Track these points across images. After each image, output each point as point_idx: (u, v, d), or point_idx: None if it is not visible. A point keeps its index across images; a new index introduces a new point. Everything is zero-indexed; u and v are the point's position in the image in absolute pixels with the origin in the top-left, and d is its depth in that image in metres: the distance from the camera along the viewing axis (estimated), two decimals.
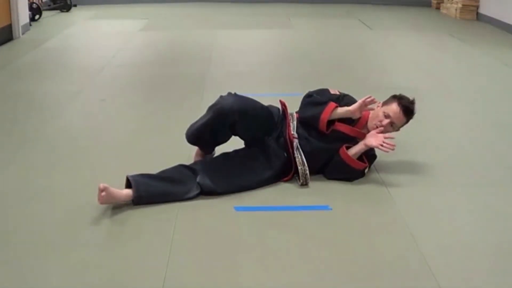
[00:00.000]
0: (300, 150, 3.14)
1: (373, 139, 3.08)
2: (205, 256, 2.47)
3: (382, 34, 7.86)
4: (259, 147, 3.18)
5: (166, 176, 2.97)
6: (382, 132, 3.14)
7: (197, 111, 4.30)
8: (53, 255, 2.45)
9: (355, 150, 3.13)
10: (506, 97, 4.97)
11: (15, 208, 2.88)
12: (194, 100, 4.62)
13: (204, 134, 3.16)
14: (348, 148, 3.15)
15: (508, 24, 8.04)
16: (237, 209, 2.86)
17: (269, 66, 5.93)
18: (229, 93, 3.14)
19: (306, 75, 5.53)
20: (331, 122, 3.16)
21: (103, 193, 2.78)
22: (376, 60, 6.42)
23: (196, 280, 2.30)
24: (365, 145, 3.10)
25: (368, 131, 3.19)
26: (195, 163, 3.15)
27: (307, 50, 6.78)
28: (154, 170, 3.29)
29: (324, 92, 3.30)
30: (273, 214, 2.84)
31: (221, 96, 3.12)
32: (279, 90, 4.92)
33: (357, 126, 3.22)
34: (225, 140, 3.23)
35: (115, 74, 5.56)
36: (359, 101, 3.11)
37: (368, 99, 3.09)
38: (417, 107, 3.21)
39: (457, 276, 2.37)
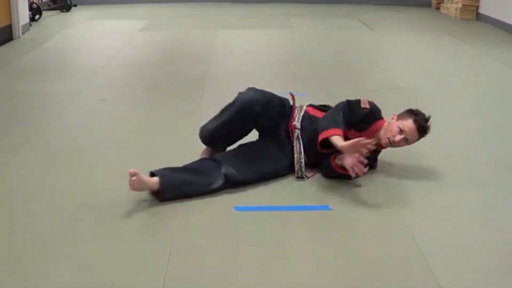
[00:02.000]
0: (300, 139, 3.19)
1: (348, 159, 2.96)
2: (205, 256, 2.47)
3: (382, 34, 7.86)
4: (272, 136, 3.26)
5: (191, 168, 3.03)
6: (394, 146, 3.16)
7: (197, 111, 4.32)
8: (53, 255, 2.45)
9: (339, 159, 3.09)
10: (506, 97, 4.97)
11: (15, 208, 2.88)
12: (194, 100, 4.63)
13: (223, 133, 3.23)
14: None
15: (508, 24, 8.04)
16: (237, 209, 2.86)
17: (269, 66, 5.93)
18: (248, 88, 3.24)
19: (306, 75, 5.53)
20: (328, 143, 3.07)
21: (134, 178, 2.81)
22: (376, 60, 6.41)
23: (196, 280, 2.30)
24: (342, 161, 3.02)
25: (379, 139, 3.17)
26: (216, 155, 3.19)
27: (307, 50, 6.78)
28: (155, 169, 3.30)
29: (354, 106, 3.20)
30: (273, 214, 2.84)
31: (240, 93, 3.22)
32: (279, 90, 4.88)
33: (365, 133, 3.17)
34: (245, 134, 3.31)
35: (115, 74, 5.57)
36: (355, 140, 2.92)
37: (364, 143, 2.91)
38: (431, 123, 3.20)
39: (457, 276, 2.36)
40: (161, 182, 2.89)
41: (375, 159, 3.30)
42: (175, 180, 2.93)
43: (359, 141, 2.91)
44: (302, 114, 3.29)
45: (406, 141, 3.17)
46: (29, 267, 2.37)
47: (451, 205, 3.00)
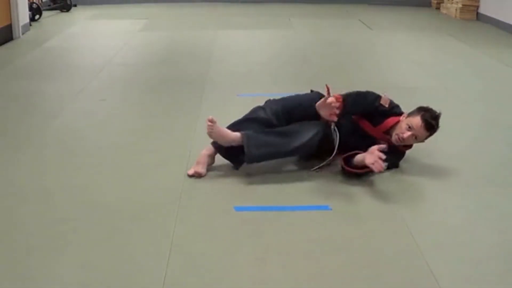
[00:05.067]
0: (337, 132, 3.23)
1: (368, 156, 3.02)
2: (205, 256, 2.47)
3: (382, 34, 7.86)
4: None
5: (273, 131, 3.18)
6: (404, 143, 3.22)
7: (197, 111, 4.32)
8: (53, 255, 2.45)
9: (357, 160, 3.13)
10: (506, 97, 4.97)
11: (15, 207, 2.88)
12: (194, 100, 4.63)
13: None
14: (356, 154, 3.14)
15: (508, 24, 8.04)
16: (237, 209, 2.86)
17: (269, 66, 5.93)
18: (266, 101, 3.35)
19: (306, 75, 5.53)
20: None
21: (211, 124, 2.97)
22: (376, 60, 6.41)
23: (196, 280, 2.30)
24: (363, 159, 3.07)
25: (390, 137, 3.24)
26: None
27: (307, 50, 6.78)
28: (154, 169, 3.30)
29: (372, 98, 3.32)
30: (273, 214, 2.84)
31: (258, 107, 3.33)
32: (280, 90, 4.91)
33: (380, 127, 3.28)
34: None
35: (115, 74, 5.57)
36: (323, 100, 3.15)
37: (330, 101, 3.10)
38: (441, 120, 3.26)
39: (457, 275, 2.37)
40: (246, 137, 2.97)
41: (397, 159, 3.33)
42: (259, 138, 3.02)
43: (326, 99, 3.11)
44: None
45: (415, 138, 3.22)
46: (29, 267, 2.37)
47: (451, 204, 3.00)
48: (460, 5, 9.16)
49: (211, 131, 3.09)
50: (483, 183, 3.25)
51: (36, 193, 3.03)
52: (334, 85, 3.76)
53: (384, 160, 2.99)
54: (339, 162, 3.22)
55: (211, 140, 3.24)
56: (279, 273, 2.36)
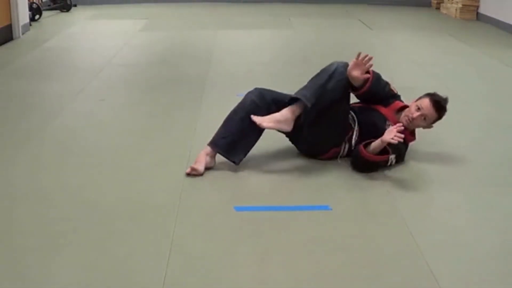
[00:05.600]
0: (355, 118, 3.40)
1: (387, 135, 3.14)
2: (205, 256, 2.47)
3: (382, 34, 7.86)
4: None
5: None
6: (413, 124, 3.34)
7: (197, 111, 4.32)
8: (52, 255, 2.45)
9: (373, 146, 3.22)
10: (506, 97, 4.97)
11: (15, 207, 2.88)
12: (194, 100, 4.63)
13: (237, 135, 3.28)
14: (368, 144, 3.23)
15: (508, 24, 8.04)
16: (237, 209, 2.86)
17: (269, 66, 5.93)
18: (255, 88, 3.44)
19: (306, 75, 5.50)
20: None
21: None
22: (376, 60, 6.37)
23: (196, 280, 2.30)
24: (382, 141, 3.17)
25: (398, 121, 3.34)
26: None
27: (307, 50, 6.78)
28: (154, 169, 3.30)
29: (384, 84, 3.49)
30: (273, 214, 2.84)
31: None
32: (279, 90, 4.92)
33: (391, 107, 3.44)
34: (261, 133, 3.38)
35: (115, 74, 5.57)
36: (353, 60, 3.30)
37: (362, 57, 3.26)
38: (448, 106, 3.38)
39: (457, 275, 2.37)
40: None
41: (403, 150, 3.39)
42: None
43: (357, 59, 3.29)
44: None
45: (425, 119, 3.33)
46: (29, 267, 2.37)
47: (451, 204, 3.00)
48: (460, 5, 9.16)
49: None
50: (484, 183, 3.25)
51: (35, 193, 3.03)
52: None
53: (392, 152, 3.18)
54: (355, 153, 3.28)
55: (209, 141, 3.27)
56: (279, 273, 2.36)
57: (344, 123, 3.35)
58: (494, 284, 2.33)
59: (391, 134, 3.10)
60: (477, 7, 9.10)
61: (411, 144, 3.44)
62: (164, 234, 2.62)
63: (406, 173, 3.32)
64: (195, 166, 3.17)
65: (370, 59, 3.28)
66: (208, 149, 3.27)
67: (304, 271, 2.38)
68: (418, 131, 3.49)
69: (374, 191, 3.09)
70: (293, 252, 2.51)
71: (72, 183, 3.15)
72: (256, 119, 3.18)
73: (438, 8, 10.18)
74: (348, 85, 3.31)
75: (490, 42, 7.33)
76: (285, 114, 3.22)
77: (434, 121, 3.38)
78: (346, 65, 3.31)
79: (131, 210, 2.85)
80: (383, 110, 3.44)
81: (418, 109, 3.31)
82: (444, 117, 3.42)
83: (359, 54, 3.28)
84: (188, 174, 3.17)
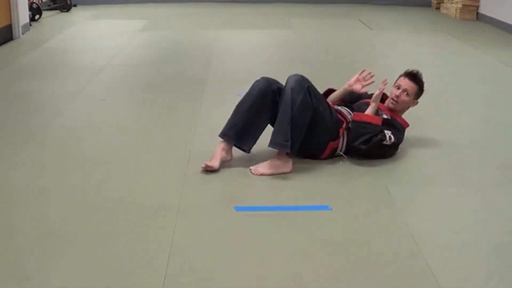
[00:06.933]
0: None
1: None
2: (205, 256, 2.47)
3: (382, 34, 7.86)
4: None
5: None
6: (400, 103, 3.49)
7: (197, 111, 4.32)
8: (52, 255, 2.45)
9: (367, 111, 3.39)
10: (506, 97, 4.96)
11: (15, 207, 2.88)
12: (194, 100, 4.63)
13: (247, 124, 3.35)
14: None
15: (508, 24, 8.03)
16: (237, 209, 2.86)
17: (269, 66, 5.91)
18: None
19: (306, 75, 5.51)
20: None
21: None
22: (376, 60, 6.41)
23: (196, 280, 2.30)
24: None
25: (388, 111, 3.50)
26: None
27: (307, 50, 6.78)
28: (155, 169, 3.31)
29: None
30: (273, 214, 2.84)
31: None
32: None
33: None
34: (270, 119, 3.43)
35: (115, 74, 5.57)
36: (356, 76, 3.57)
37: (364, 74, 3.53)
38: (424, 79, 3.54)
39: (457, 275, 2.37)
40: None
41: (399, 133, 3.46)
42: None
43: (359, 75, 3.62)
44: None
45: (407, 94, 3.49)
46: (30, 266, 2.37)
47: (451, 205, 3.00)
48: (460, 5, 9.16)
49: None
50: (484, 183, 3.25)
51: (35, 193, 3.03)
52: (334, 85, 3.78)
53: (387, 128, 3.35)
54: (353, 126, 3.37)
55: (212, 139, 3.27)
56: (279, 273, 2.36)
57: (332, 119, 3.37)
58: (494, 284, 2.33)
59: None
60: (477, 7, 9.10)
61: (411, 143, 3.43)
62: (164, 234, 2.62)
63: (406, 173, 3.33)
64: (210, 164, 3.20)
65: (371, 76, 3.51)
66: (223, 144, 3.30)
67: (304, 271, 2.38)
68: (416, 131, 3.49)
69: (374, 191, 3.09)
70: (293, 252, 2.51)
71: (72, 183, 3.15)
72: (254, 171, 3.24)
73: (438, 8, 10.17)
74: (312, 95, 3.30)
75: (490, 42, 7.33)
76: (278, 163, 3.24)
77: (418, 95, 3.53)
78: (300, 78, 3.33)
79: (131, 210, 2.85)
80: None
81: (398, 88, 3.49)
82: (424, 92, 3.56)
83: (363, 71, 3.54)
84: (203, 170, 3.21)
